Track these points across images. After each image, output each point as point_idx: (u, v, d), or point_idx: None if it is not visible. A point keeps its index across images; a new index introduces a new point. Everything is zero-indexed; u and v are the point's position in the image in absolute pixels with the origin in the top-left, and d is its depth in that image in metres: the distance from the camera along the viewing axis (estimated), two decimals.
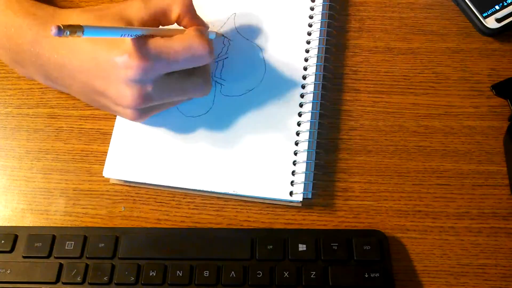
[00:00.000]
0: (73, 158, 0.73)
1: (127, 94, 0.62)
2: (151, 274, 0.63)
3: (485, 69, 0.76)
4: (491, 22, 0.76)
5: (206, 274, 0.63)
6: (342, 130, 0.73)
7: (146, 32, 0.60)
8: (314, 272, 0.63)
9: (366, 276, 0.63)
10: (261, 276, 0.63)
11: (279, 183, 0.69)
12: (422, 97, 0.75)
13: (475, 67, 0.76)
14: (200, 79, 0.67)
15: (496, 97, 0.73)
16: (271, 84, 0.74)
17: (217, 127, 0.72)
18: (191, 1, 0.65)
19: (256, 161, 0.70)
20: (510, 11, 0.76)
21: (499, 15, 0.76)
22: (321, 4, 0.78)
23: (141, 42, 0.59)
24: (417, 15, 0.79)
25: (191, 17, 0.65)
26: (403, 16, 0.80)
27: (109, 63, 0.60)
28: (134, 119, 0.67)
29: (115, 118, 0.73)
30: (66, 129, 0.74)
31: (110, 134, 0.73)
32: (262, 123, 0.72)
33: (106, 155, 0.71)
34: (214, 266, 0.64)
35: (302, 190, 0.68)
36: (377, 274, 0.63)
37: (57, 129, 0.74)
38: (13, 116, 0.75)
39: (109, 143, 0.72)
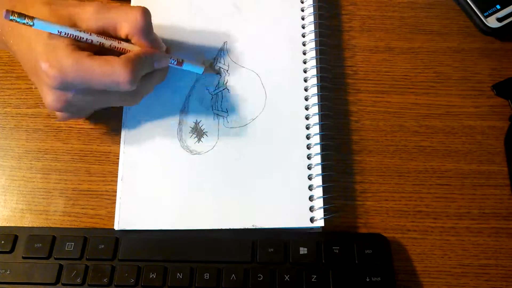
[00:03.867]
0: (72, 158, 0.73)
1: (47, 97, 0.63)
2: (151, 276, 0.63)
3: (486, 68, 0.76)
4: (492, 22, 0.76)
5: (206, 277, 0.63)
6: (342, 130, 0.73)
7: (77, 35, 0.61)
8: (315, 276, 0.63)
9: (368, 280, 0.62)
10: (262, 279, 0.63)
11: (297, 211, 0.68)
12: (422, 96, 0.75)
13: (476, 67, 0.76)
14: (126, 95, 0.67)
15: (497, 97, 0.73)
16: (274, 109, 0.73)
17: (225, 162, 0.70)
18: (145, 21, 0.64)
19: (271, 191, 0.69)
20: (511, 11, 0.75)
21: (500, 14, 0.75)
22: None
23: (66, 55, 0.60)
24: (417, 15, 0.79)
25: (141, 37, 0.65)
26: (404, 15, 0.79)
27: (38, 64, 0.61)
28: (60, 119, 0.69)
29: (115, 119, 0.73)
30: (65, 129, 0.74)
31: (110, 134, 0.73)
32: (271, 151, 0.71)
33: (105, 155, 0.72)
34: (214, 269, 0.63)
35: (322, 215, 0.67)
36: (379, 278, 0.63)
37: (56, 129, 0.74)
38: (12, 116, 0.75)
39: (108, 144, 0.73)
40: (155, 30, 0.66)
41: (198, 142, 0.71)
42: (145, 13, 0.64)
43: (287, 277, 0.63)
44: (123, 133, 0.72)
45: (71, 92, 0.63)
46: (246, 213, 0.68)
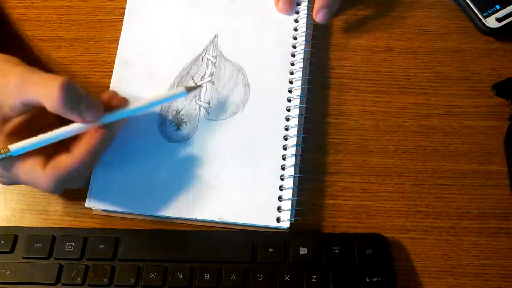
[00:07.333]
0: None
1: None
2: (151, 276, 0.63)
3: (485, 68, 0.76)
4: (491, 22, 0.76)
5: (206, 277, 0.63)
6: (342, 130, 0.73)
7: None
8: (315, 276, 0.63)
9: (368, 280, 0.63)
10: (262, 279, 0.63)
11: (265, 210, 0.68)
12: (422, 96, 0.75)
13: (476, 67, 0.76)
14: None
15: (496, 97, 0.73)
16: (256, 107, 0.73)
17: (200, 153, 0.71)
18: (64, 99, 0.58)
19: (242, 187, 0.69)
20: (510, 11, 0.76)
21: (499, 14, 0.76)
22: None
23: None
24: (417, 15, 0.79)
25: (65, 113, 0.60)
26: (404, 15, 0.79)
27: None
28: None
29: None
30: None
31: None
32: (247, 147, 0.71)
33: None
34: (214, 269, 0.63)
35: (289, 217, 0.67)
36: (379, 278, 0.63)
37: None
38: None
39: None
40: (148, 26, 0.67)
41: (177, 131, 0.72)
42: (64, 88, 0.58)
43: (287, 277, 0.63)
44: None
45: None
46: (214, 205, 0.68)
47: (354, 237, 0.66)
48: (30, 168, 0.60)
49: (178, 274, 0.63)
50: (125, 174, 0.70)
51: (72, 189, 0.69)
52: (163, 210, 0.68)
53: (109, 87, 0.74)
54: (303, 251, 0.64)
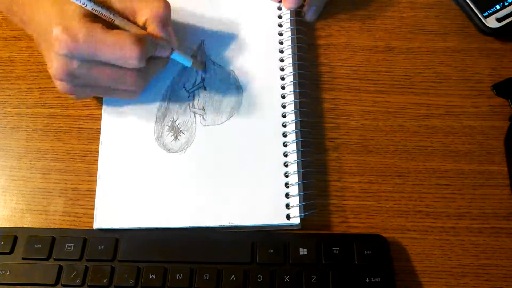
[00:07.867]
0: (72, 158, 0.73)
1: (53, 63, 0.64)
2: (150, 277, 0.63)
3: (485, 68, 0.76)
4: (491, 22, 0.76)
5: (206, 278, 0.63)
6: (342, 130, 0.73)
7: (92, 7, 0.62)
8: (314, 277, 0.63)
9: (367, 280, 0.62)
10: (262, 280, 0.63)
11: (274, 208, 0.68)
12: (422, 96, 0.75)
13: (476, 67, 0.76)
14: (130, 79, 0.67)
15: (496, 97, 0.73)
16: (251, 107, 0.73)
17: (202, 159, 0.70)
18: (165, 13, 0.66)
19: (248, 188, 0.69)
20: (510, 11, 0.76)
21: (499, 14, 0.75)
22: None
23: (80, 24, 0.61)
24: (417, 15, 0.79)
25: (157, 27, 0.66)
26: (404, 15, 0.79)
27: (49, 29, 0.62)
28: (61, 90, 0.67)
29: None
30: (65, 129, 0.74)
31: None
32: (248, 148, 0.71)
33: None
34: (214, 270, 0.63)
35: (299, 213, 0.67)
36: (378, 279, 0.63)
37: (56, 129, 0.74)
38: (12, 116, 0.75)
39: None
40: None
41: (175, 141, 0.71)
42: (167, 6, 0.66)
43: (286, 278, 0.63)
44: (101, 131, 0.73)
45: (77, 62, 0.63)
46: (223, 210, 0.68)
47: (353, 237, 0.66)
48: (118, 33, 0.62)
49: (178, 275, 0.63)
50: (128, 191, 0.70)
51: (74, 187, 0.71)
52: (172, 221, 0.68)
53: None
54: (302, 251, 0.64)
